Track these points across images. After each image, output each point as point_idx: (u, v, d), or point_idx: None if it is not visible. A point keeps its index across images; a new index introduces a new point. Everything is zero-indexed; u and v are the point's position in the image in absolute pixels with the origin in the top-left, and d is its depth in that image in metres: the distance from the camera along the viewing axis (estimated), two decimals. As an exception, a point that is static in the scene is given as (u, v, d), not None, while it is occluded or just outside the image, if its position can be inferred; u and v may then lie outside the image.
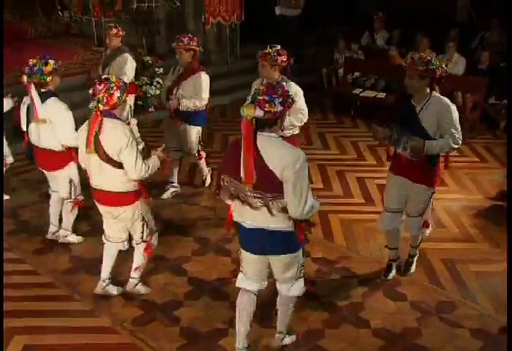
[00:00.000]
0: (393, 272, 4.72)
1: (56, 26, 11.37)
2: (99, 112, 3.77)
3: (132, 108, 6.51)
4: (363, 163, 7.08)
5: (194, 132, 5.79)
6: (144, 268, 4.51)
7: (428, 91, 4.07)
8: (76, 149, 4.61)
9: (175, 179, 6.11)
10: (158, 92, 8.38)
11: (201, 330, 4.11)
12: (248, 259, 3.52)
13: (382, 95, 8.71)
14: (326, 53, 10.42)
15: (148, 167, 3.93)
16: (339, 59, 9.82)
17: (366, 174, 6.69)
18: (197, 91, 5.50)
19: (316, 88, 9.75)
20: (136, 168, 3.84)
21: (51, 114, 4.47)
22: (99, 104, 3.73)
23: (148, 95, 8.34)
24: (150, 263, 4.84)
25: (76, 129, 4.52)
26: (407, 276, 4.73)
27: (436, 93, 4.10)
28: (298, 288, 3.61)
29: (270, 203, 3.17)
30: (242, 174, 3.15)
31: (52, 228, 5.19)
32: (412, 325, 4.18)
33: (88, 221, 5.52)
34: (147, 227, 4.24)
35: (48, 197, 5.19)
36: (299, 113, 4.76)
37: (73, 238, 5.17)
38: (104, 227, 4.31)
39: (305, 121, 4.91)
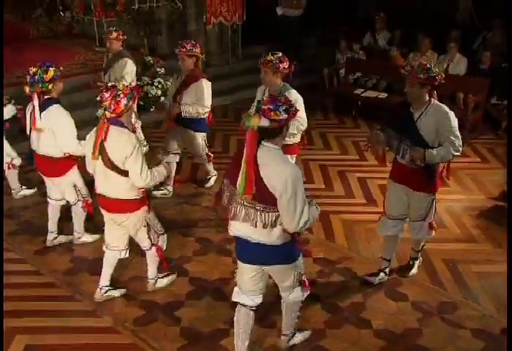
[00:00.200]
0: (379, 277, 4.67)
1: (58, 27, 11.38)
2: (105, 120, 3.78)
3: (136, 111, 6.51)
4: (364, 163, 7.08)
5: (200, 137, 5.84)
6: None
7: (427, 98, 4.05)
8: (76, 156, 4.66)
9: (170, 182, 6.11)
10: (159, 92, 8.40)
11: (202, 330, 4.11)
12: (243, 269, 3.51)
13: (383, 95, 8.70)
14: (327, 53, 10.42)
15: (154, 175, 3.93)
16: (340, 59, 9.83)
17: (368, 174, 6.69)
18: (200, 99, 5.50)
19: (317, 89, 9.76)
20: (142, 176, 3.84)
21: (53, 121, 4.46)
22: (106, 112, 3.74)
23: (150, 95, 8.36)
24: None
25: (78, 135, 4.55)
26: (408, 278, 4.72)
27: (434, 101, 4.08)
28: (296, 295, 3.62)
29: (261, 215, 3.18)
30: (238, 184, 3.17)
31: (50, 236, 5.16)
32: (414, 326, 4.18)
33: (91, 222, 5.52)
34: (154, 232, 4.28)
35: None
36: (297, 121, 4.75)
37: (88, 238, 5.19)
38: (105, 233, 4.32)
39: (303, 128, 4.92)
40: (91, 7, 10.21)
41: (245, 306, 3.58)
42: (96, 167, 3.92)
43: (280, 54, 4.78)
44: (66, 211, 5.17)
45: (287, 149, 4.03)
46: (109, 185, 3.93)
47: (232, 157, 3.45)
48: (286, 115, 3.06)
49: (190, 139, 5.81)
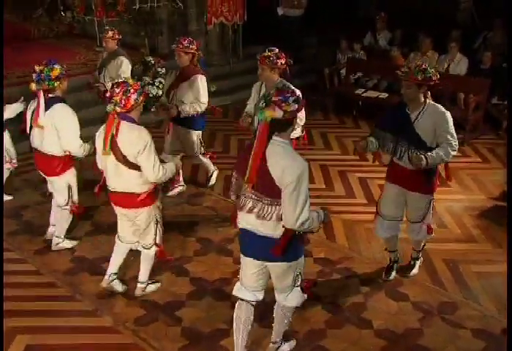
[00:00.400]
0: (394, 273, 4.72)
1: (59, 27, 11.37)
2: (115, 115, 3.79)
3: None
4: (365, 163, 7.02)
5: (195, 136, 5.81)
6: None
7: (422, 99, 4.06)
8: (75, 157, 4.70)
9: (180, 178, 6.16)
10: (160, 92, 8.39)
11: (203, 330, 4.12)
12: (246, 264, 3.51)
13: (384, 95, 8.71)
14: (328, 53, 10.42)
15: (166, 171, 3.96)
16: (341, 59, 9.83)
17: (368, 174, 6.69)
18: (196, 96, 5.49)
19: (318, 89, 9.76)
20: (154, 171, 3.87)
21: (57, 119, 4.47)
22: (116, 107, 3.75)
23: (150, 95, 8.35)
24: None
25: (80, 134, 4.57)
26: (409, 277, 4.72)
27: (430, 101, 4.09)
28: (294, 298, 3.57)
29: (267, 208, 3.18)
30: (247, 173, 3.18)
31: (52, 229, 5.19)
32: (414, 326, 4.18)
33: (90, 222, 5.54)
34: (159, 231, 4.28)
35: (50, 196, 5.19)
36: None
37: (67, 244, 5.13)
38: (119, 228, 4.34)
39: (301, 123, 4.92)
40: (92, 7, 10.21)
41: (247, 301, 3.58)
42: (107, 162, 3.93)
43: (277, 50, 4.79)
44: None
45: None
46: (121, 180, 3.95)
47: (242, 150, 3.44)
48: (296, 106, 3.09)
49: (185, 137, 5.77)
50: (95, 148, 4.06)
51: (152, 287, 4.55)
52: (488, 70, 8.32)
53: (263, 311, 3.92)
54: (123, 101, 3.74)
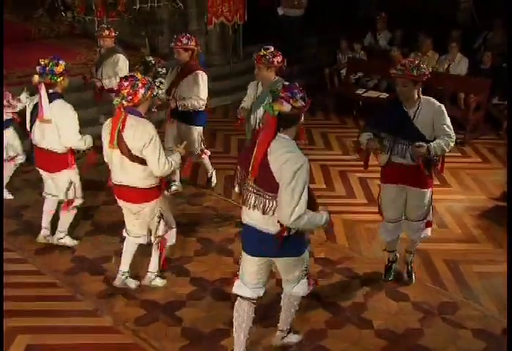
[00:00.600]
0: (393, 274, 4.69)
1: (60, 27, 11.37)
2: (122, 109, 3.79)
3: None
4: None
5: (195, 132, 5.80)
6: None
7: (417, 95, 4.06)
8: (77, 151, 4.71)
9: (177, 178, 6.13)
10: (160, 92, 8.39)
11: (203, 330, 4.11)
12: (247, 262, 3.51)
13: (384, 95, 8.70)
14: (328, 53, 10.42)
15: (171, 164, 3.97)
16: (341, 59, 9.83)
17: (369, 174, 6.64)
18: (196, 92, 5.50)
19: (318, 89, 9.75)
20: (159, 165, 3.88)
21: (57, 115, 4.48)
22: (123, 101, 3.76)
23: (151, 95, 8.35)
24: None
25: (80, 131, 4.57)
26: (412, 283, 4.69)
27: (422, 96, 4.09)
28: (301, 288, 3.61)
29: (268, 203, 3.19)
30: (250, 165, 3.20)
31: (44, 232, 5.13)
32: (415, 326, 4.17)
33: (90, 222, 5.53)
34: (164, 224, 4.29)
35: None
36: None
37: (68, 241, 5.13)
38: (126, 222, 4.35)
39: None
40: (93, 7, 10.21)
41: (247, 298, 3.58)
42: (112, 156, 3.94)
43: (272, 48, 4.80)
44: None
45: None
46: (125, 174, 3.96)
47: (246, 146, 3.45)
48: (303, 103, 3.10)
49: (186, 133, 5.78)
50: (96, 147, 4.07)
51: (158, 282, 4.57)
52: (488, 70, 8.32)
53: (263, 311, 3.92)
54: (130, 95, 3.75)
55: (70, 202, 4.91)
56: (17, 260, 4.96)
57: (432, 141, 4.03)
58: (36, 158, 4.84)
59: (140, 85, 3.77)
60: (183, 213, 5.79)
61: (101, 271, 4.77)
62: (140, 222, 4.26)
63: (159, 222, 4.25)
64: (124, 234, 4.41)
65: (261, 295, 3.61)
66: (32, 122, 4.64)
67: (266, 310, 4.01)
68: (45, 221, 5.14)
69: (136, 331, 4.10)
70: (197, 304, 4.41)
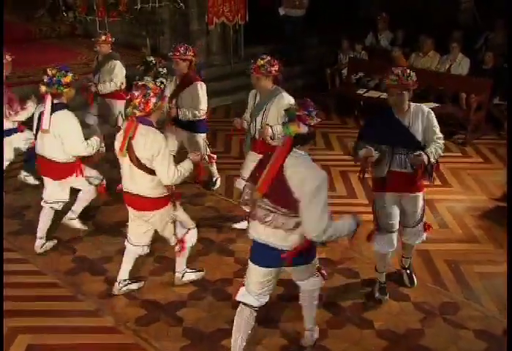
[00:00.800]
0: (388, 295, 4.53)
1: (61, 27, 11.39)
2: (134, 118, 3.81)
3: (123, 114, 6.53)
4: (366, 164, 7.06)
5: (201, 139, 5.87)
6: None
7: (407, 102, 4.07)
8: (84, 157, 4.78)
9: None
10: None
11: (204, 330, 4.12)
12: (255, 273, 3.50)
13: (385, 95, 8.64)
14: (329, 53, 10.41)
15: (181, 173, 3.96)
16: (342, 59, 9.82)
17: (370, 174, 6.67)
18: (196, 102, 5.53)
19: (319, 89, 9.75)
20: (169, 175, 3.89)
21: (60, 126, 4.49)
22: (135, 110, 3.77)
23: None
24: (153, 263, 4.86)
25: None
26: (414, 286, 4.67)
27: (410, 103, 4.10)
28: (314, 282, 3.71)
29: (281, 218, 3.21)
30: (258, 183, 3.23)
31: (38, 242, 5.04)
32: (416, 326, 4.17)
33: (91, 222, 5.53)
34: (180, 227, 4.32)
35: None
36: None
37: (78, 225, 5.20)
38: (128, 229, 4.35)
39: None
40: (94, 7, 10.22)
41: (250, 306, 3.58)
42: (123, 164, 3.96)
43: (269, 57, 4.76)
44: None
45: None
46: (134, 183, 3.98)
47: (259, 161, 3.46)
48: (319, 120, 3.17)
49: (191, 141, 5.85)
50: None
51: (191, 275, 4.61)
52: (490, 70, 8.32)
53: (263, 311, 3.91)
54: (142, 104, 3.75)
55: (99, 186, 5.03)
56: (18, 260, 4.96)
57: (425, 146, 4.04)
58: (40, 166, 4.85)
59: (151, 94, 3.77)
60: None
61: (102, 271, 4.77)
62: (145, 231, 4.26)
63: (174, 227, 4.27)
64: (126, 243, 4.40)
65: (264, 303, 3.61)
66: (37, 130, 4.65)
67: (266, 310, 4.00)
68: (41, 231, 5.04)
69: (137, 331, 4.11)
70: (198, 304, 4.41)
